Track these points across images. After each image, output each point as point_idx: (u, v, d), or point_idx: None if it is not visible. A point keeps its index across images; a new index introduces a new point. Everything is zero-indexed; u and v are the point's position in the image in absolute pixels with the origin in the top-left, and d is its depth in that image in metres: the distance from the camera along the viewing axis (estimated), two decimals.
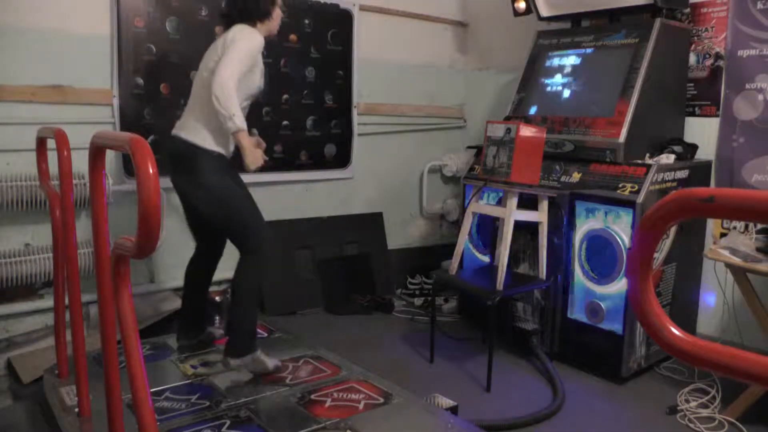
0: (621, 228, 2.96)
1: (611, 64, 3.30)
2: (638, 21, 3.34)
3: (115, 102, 3.28)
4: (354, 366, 2.83)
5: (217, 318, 3.36)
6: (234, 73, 2.47)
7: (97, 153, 1.68)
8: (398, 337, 3.61)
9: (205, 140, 2.58)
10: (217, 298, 3.45)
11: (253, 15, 2.66)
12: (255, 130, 2.92)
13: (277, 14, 2.75)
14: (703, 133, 3.39)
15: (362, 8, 4.16)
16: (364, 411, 2.40)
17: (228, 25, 2.70)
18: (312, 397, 2.51)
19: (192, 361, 2.83)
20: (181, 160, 2.60)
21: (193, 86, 2.73)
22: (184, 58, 3.39)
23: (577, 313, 3.16)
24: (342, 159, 4.22)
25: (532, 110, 3.57)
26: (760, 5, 3.14)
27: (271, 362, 2.72)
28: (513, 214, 3.05)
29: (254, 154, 2.54)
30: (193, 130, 2.59)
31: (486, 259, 3.61)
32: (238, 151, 2.58)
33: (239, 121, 2.46)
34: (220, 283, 3.51)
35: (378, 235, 4.41)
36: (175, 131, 2.66)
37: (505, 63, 4.43)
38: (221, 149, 2.62)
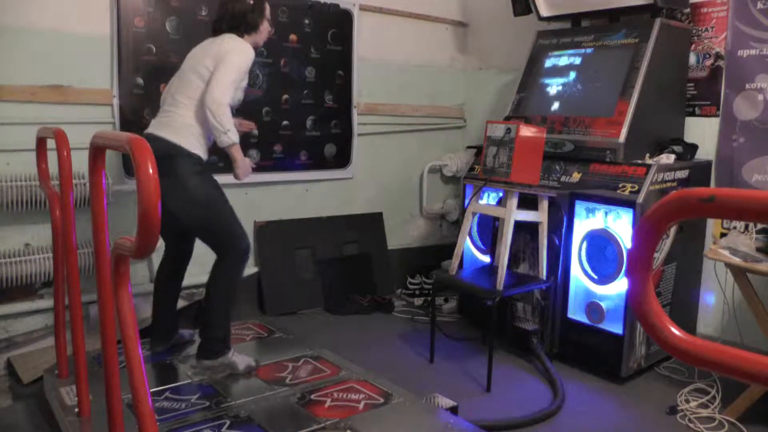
0: (621, 228, 2.96)
1: (611, 64, 3.30)
2: (638, 21, 3.34)
3: (115, 102, 3.28)
4: (354, 366, 2.83)
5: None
6: (228, 88, 2.53)
7: (97, 153, 1.68)
8: (398, 337, 3.61)
9: (189, 143, 2.58)
10: None
11: (241, 27, 2.70)
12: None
13: (265, 27, 2.79)
14: (703, 133, 3.39)
15: (362, 8, 4.16)
16: (364, 411, 2.40)
17: (215, 33, 2.72)
18: (312, 397, 2.51)
19: (192, 361, 2.83)
20: (160, 160, 2.53)
21: (175, 86, 2.69)
22: (184, 58, 3.39)
23: (577, 313, 3.16)
24: (342, 159, 4.22)
25: (532, 110, 3.57)
26: (760, 5, 3.14)
27: (242, 363, 2.71)
28: (513, 214, 3.05)
29: (245, 165, 2.66)
30: (177, 131, 2.58)
31: (486, 259, 3.61)
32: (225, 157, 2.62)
33: (234, 136, 2.55)
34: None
35: (378, 235, 4.41)
36: (153, 131, 2.60)
37: (505, 63, 4.43)
38: (201, 153, 2.64)
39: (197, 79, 2.59)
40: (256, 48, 2.79)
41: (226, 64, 2.53)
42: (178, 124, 2.59)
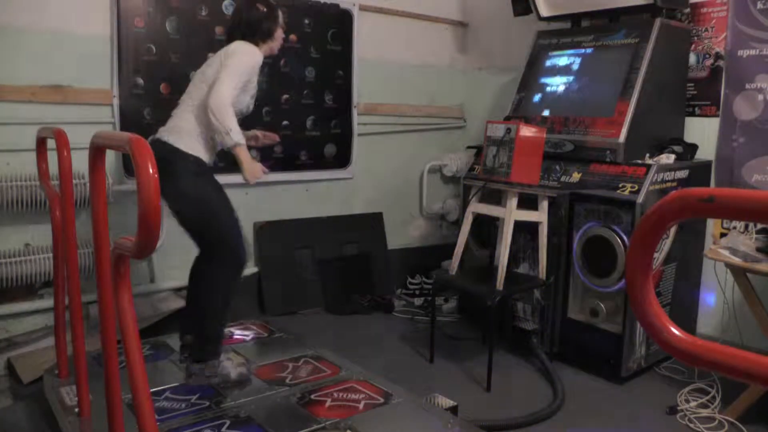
0: (621, 228, 2.96)
1: (611, 64, 3.30)
2: (638, 21, 3.34)
3: (115, 102, 3.28)
4: (354, 366, 2.83)
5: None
6: (231, 87, 2.47)
7: (97, 153, 1.69)
8: (398, 337, 3.61)
9: (186, 144, 2.53)
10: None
11: (256, 34, 2.67)
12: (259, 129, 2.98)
13: (279, 34, 2.77)
14: (703, 133, 3.39)
15: (362, 8, 4.16)
16: (364, 411, 2.40)
17: (229, 41, 2.71)
18: (312, 397, 2.51)
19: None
20: (160, 163, 2.52)
21: (187, 92, 2.68)
22: (184, 58, 3.40)
23: (577, 313, 3.16)
24: (342, 159, 4.22)
25: (532, 110, 3.57)
26: (760, 5, 3.14)
27: (235, 371, 2.62)
28: (513, 214, 3.05)
29: (252, 167, 2.56)
30: (177, 134, 2.55)
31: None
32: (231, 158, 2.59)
33: (236, 136, 2.46)
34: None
35: (378, 235, 4.41)
36: (158, 135, 2.60)
37: (505, 63, 4.43)
38: (201, 154, 2.57)
39: (201, 83, 2.57)
40: (271, 55, 2.79)
41: (228, 65, 2.51)
42: (179, 128, 2.57)
